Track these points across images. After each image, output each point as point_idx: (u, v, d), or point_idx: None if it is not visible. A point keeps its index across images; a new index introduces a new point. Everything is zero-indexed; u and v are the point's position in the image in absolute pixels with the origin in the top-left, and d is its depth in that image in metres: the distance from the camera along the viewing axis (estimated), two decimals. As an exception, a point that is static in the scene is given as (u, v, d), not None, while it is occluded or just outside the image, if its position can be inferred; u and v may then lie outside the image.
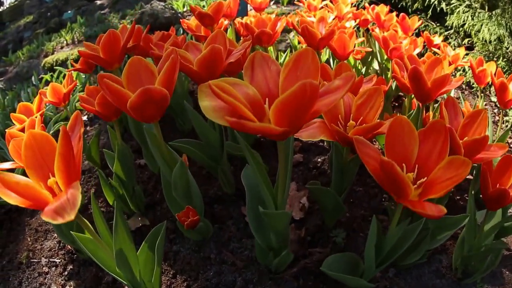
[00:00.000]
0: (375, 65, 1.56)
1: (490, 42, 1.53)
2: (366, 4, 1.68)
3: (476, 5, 1.58)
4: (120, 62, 0.76)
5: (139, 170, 1.06)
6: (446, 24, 1.73)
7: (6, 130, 0.64)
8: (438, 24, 1.85)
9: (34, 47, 2.83)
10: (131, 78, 0.50)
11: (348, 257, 0.62)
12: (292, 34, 2.03)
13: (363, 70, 1.51)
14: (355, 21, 1.53)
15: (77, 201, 0.33)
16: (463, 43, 1.70)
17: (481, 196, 0.57)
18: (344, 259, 0.61)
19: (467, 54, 1.58)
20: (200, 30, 1.29)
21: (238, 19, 1.48)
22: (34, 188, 0.37)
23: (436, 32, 1.79)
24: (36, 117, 0.65)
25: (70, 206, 0.33)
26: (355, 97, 0.62)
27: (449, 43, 1.73)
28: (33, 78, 1.97)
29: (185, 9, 2.96)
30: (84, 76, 1.63)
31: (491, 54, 1.54)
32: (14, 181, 0.36)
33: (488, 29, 1.39)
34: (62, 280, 0.76)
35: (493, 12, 1.51)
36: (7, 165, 0.58)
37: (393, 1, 1.96)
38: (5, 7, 4.14)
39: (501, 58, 1.55)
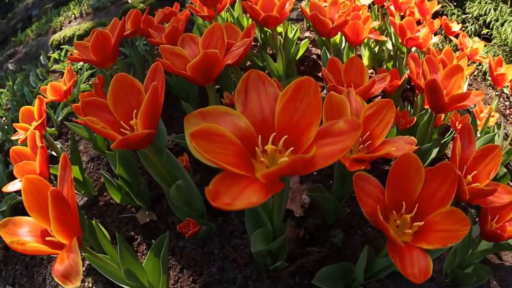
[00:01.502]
0: (389, 45, 1.42)
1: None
2: None
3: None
4: (114, 60, 0.70)
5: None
6: (467, 11, 1.55)
7: (11, 148, 0.62)
8: (455, 4, 1.65)
9: (43, 22, 2.71)
10: (116, 97, 0.45)
11: (339, 267, 0.60)
12: (304, 2, 1.82)
13: (376, 48, 1.38)
14: (371, -3, 1.36)
15: (79, 268, 0.36)
16: (481, 33, 1.53)
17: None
18: (335, 269, 0.60)
19: (484, 46, 1.43)
20: (204, 9, 1.17)
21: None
22: (41, 249, 0.40)
23: (453, 14, 1.60)
24: (38, 123, 0.62)
25: (74, 272, 0.36)
26: (364, 105, 0.55)
27: (466, 28, 1.54)
28: (41, 57, 1.91)
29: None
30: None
31: (509, 50, 1.38)
32: (22, 248, 0.38)
33: None
34: (81, 275, 0.79)
35: None
36: (18, 185, 0.57)
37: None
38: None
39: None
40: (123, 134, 0.43)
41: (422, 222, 0.38)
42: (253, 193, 0.30)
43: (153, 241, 0.80)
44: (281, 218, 0.53)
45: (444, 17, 1.35)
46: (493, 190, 0.43)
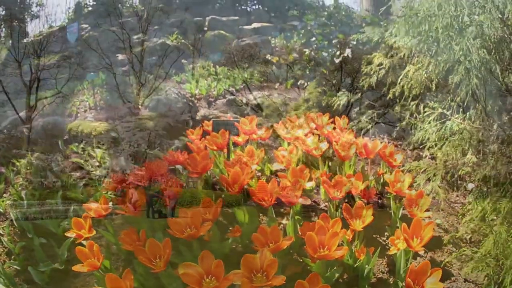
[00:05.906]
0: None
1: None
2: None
3: (448, 112, 2.17)
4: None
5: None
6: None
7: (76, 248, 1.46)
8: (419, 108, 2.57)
9: (57, 94, 3.58)
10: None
11: None
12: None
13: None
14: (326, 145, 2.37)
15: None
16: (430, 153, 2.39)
17: None
18: None
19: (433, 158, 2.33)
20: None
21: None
22: None
23: (422, 129, 2.42)
24: (90, 235, 1.50)
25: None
26: (270, 256, 1.40)
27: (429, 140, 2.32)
28: (59, 143, 2.80)
29: (197, 91, 3.89)
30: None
31: (451, 166, 2.19)
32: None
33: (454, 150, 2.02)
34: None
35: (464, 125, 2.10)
36: (81, 268, 1.39)
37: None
38: (29, 39, 5.07)
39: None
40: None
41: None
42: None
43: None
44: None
45: (389, 148, 2.24)
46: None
